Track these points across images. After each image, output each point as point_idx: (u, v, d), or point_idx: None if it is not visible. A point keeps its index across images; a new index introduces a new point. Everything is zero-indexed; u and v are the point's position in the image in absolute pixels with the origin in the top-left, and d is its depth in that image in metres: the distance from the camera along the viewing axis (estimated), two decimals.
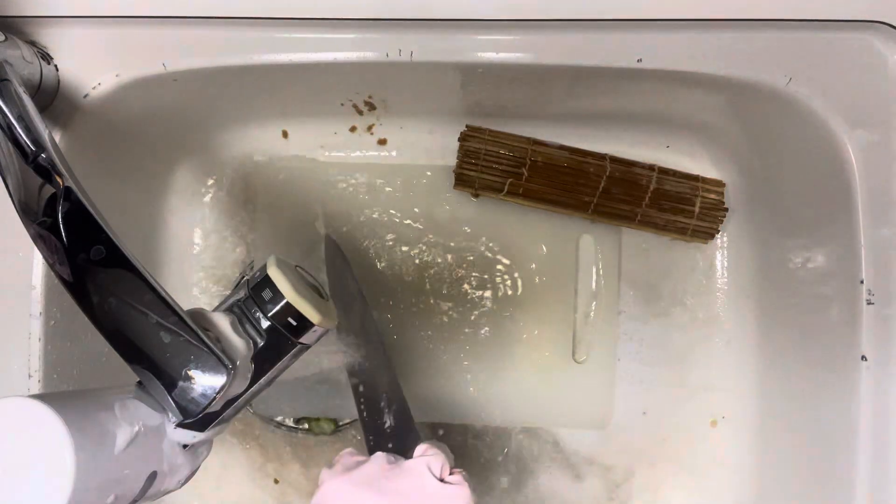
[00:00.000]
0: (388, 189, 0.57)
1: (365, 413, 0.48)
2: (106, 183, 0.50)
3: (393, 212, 0.57)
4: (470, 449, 0.58)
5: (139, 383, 0.31)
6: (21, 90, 0.34)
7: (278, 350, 0.36)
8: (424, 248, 0.57)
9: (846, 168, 0.43)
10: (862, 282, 0.43)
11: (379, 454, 0.42)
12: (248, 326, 0.35)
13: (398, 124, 0.58)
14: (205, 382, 0.30)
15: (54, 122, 0.45)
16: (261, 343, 0.35)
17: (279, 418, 0.59)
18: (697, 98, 0.49)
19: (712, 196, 0.55)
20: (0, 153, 0.32)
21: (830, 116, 0.43)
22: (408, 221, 0.57)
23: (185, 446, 0.32)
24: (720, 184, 0.55)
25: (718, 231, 0.55)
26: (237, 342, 0.33)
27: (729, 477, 0.57)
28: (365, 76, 0.50)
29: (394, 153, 0.58)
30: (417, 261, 0.57)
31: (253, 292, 0.36)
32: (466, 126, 0.54)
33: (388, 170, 0.57)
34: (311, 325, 0.36)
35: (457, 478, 0.40)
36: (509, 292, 0.57)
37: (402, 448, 0.47)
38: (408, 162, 0.58)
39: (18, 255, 0.45)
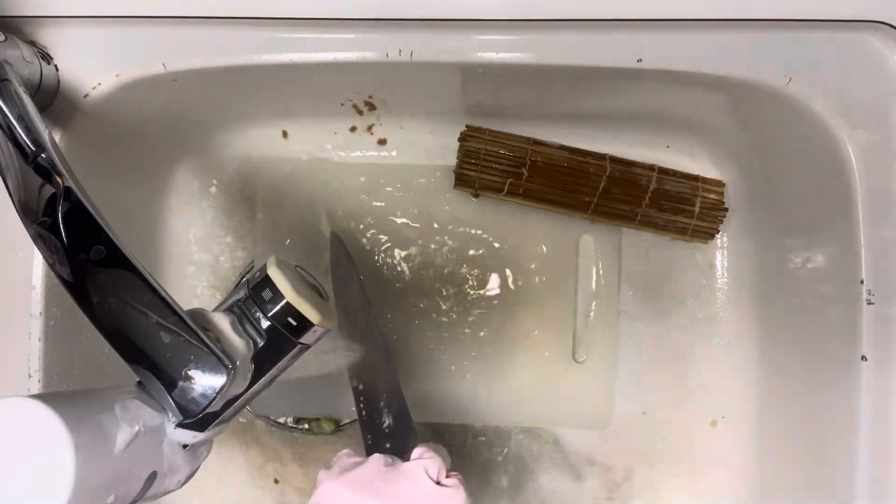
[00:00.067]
0: (388, 189, 0.57)
1: (364, 412, 0.48)
2: (106, 183, 0.50)
3: (393, 212, 0.57)
4: (470, 449, 0.58)
5: (139, 383, 0.31)
6: (21, 90, 0.34)
7: (278, 350, 0.36)
8: (424, 248, 0.57)
9: (846, 168, 0.43)
10: (862, 282, 0.43)
11: (376, 456, 0.42)
12: (248, 326, 0.35)
13: (398, 124, 0.58)
14: (205, 382, 0.30)
15: (54, 122, 0.45)
16: (261, 343, 0.35)
17: (279, 418, 0.59)
18: (697, 98, 0.49)
19: (712, 196, 0.55)
20: (0, 153, 0.32)
21: (830, 116, 0.43)
22: (408, 221, 0.57)
23: (185, 446, 0.32)
24: (720, 184, 0.55)
25: (718, 231, 0.55)
26: (237, 342, 0.33)
27: (729, 477, 0.57)
28: (365, 76, 0.50)
29: (394, 153, 0.58)
30: (417, 261, 0.57)
31: (253, 292, 0.36)
32: (466, 126, 0.54)
33: (388, 170, 0.57)
34: (311, 325, 0.36)
35: (453, 481, 0.40)
36: (509, 292, 0.57)
37: (399, 448, 0.47)
38: (408, 162, 0.58)
39: (18, 255, 0.45)
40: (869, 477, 0.43)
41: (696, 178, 0.55)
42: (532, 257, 0.57)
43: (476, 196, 0.56)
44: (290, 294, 0.35)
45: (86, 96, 0.45)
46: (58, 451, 0.25)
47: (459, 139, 0.54)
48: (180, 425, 0.31)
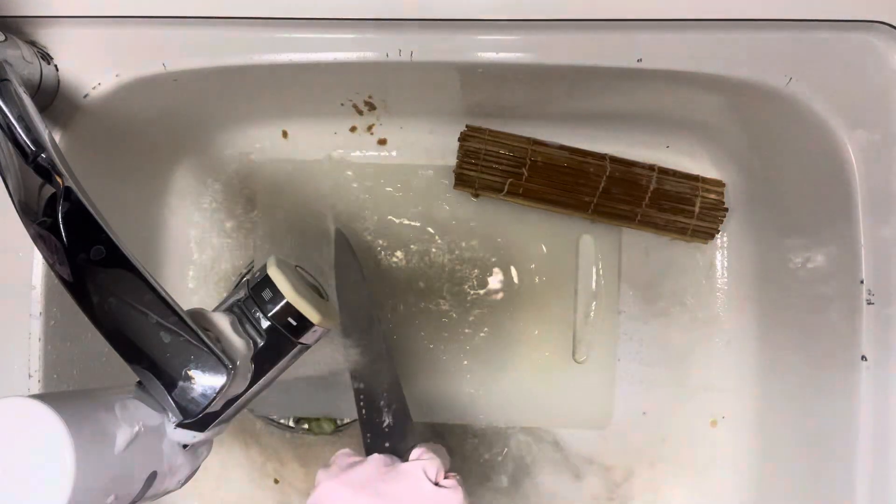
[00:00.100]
0: (388, 189, 0.57)
1: (364, 411, 0.48)
2: (106, 183, 0.50)
3: (393, 212, 0.57)
4: (470, 449, 0.58)
5: (139, 383, 0.31)
6: (21, 90, 0.34)
7: (278, 350, 0.36)
8: (424, 248, 0.57)
9: (846, 168, 0.43)
10: (862, 282, 0.43)
11: (375, 456, 0.42)
12: (248, 326, 0.35)
13: (398, 124, 0.58)
14: (205, 382, 0.30)
15: (54, 122, 0.45)
16: (261, 343, 0.35)
17: (279, 418, 0.59)
18: (697, 98, 0.49)
19: (712, 196, 0.55)
20: (0, 153, 0.32)
21: (830, 116, 0.43)
22: (407, 221, 0.57)
23: (185, 446, 0.33)
24: (720, 184, 0.55)
25: (718, 231, 0.55)
26: (237, 342, 0.33)
27: (729, 477, 0.57)
28: (365, 76, 0.50)
29: (394, 153, 0.58)
30: (417, 261, 0.57)
31: (253, 292, 0.36)
32: (466, 126, 0.54)
33: (388, 170, 0.57)
34: (311, 324, 0.36)
35: (451, 482, 0.40)
36: (509, 292, 0.57)
37: (399, 448, 0.47)
38: (408, 162, 0.58)
39: (18, 255, 0.45)
40: (869, 477, 0.43)
41: (696, 178, 0.55)
42: (532, 257, 0.57)
43: (476, 196, 0.56)
44: (290, 294, 0.35)
45: (86, 96, 0.45)
46: (58, 451, 0.25)
47: (459, 139, 0.54)
48: (180, 425, 0.31)
